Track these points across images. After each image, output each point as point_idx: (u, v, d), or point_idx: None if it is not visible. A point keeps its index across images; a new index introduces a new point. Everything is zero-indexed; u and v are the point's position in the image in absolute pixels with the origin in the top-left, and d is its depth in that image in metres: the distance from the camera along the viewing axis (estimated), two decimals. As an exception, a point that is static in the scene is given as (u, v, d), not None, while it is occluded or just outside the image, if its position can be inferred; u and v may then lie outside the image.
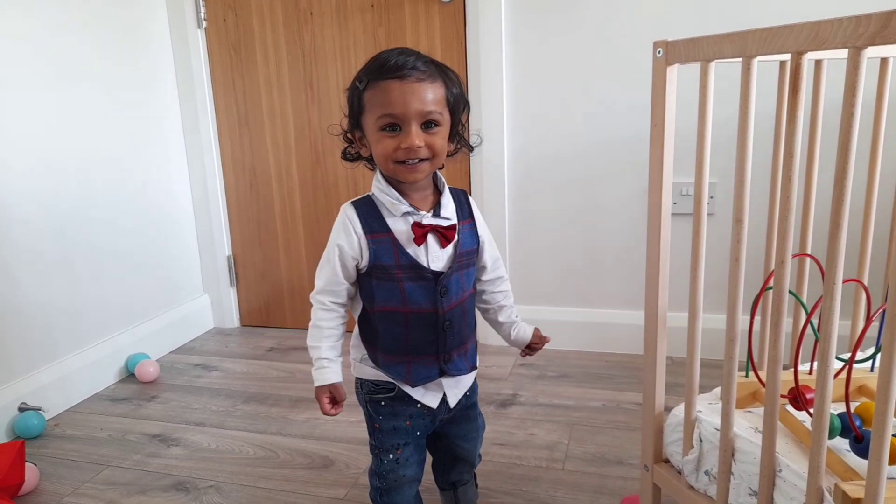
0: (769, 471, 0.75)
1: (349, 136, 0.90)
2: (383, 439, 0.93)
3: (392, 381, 0.90)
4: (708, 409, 0.89)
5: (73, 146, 1.59)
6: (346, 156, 0.92)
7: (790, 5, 1.48)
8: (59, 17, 1.54)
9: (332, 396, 0.90)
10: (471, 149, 0.96)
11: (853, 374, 0.88)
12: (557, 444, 1.32)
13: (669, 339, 0.93)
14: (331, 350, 0.90)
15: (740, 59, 0.71)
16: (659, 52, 0.82)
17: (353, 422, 1.44)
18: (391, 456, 0.93)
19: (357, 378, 0.95)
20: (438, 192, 0.91)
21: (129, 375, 1.74)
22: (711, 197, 1.62)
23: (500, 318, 0.99)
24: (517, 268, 1.83)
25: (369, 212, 0.87)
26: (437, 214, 0.88)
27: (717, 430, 0.83)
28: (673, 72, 0.82)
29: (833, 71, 0.87)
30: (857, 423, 0.74)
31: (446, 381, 0.92)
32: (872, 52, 0.60)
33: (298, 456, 1.31)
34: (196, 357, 1.88)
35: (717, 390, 0.96)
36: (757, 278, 1.05)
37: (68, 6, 1.57)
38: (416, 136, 0.81)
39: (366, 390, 0.94)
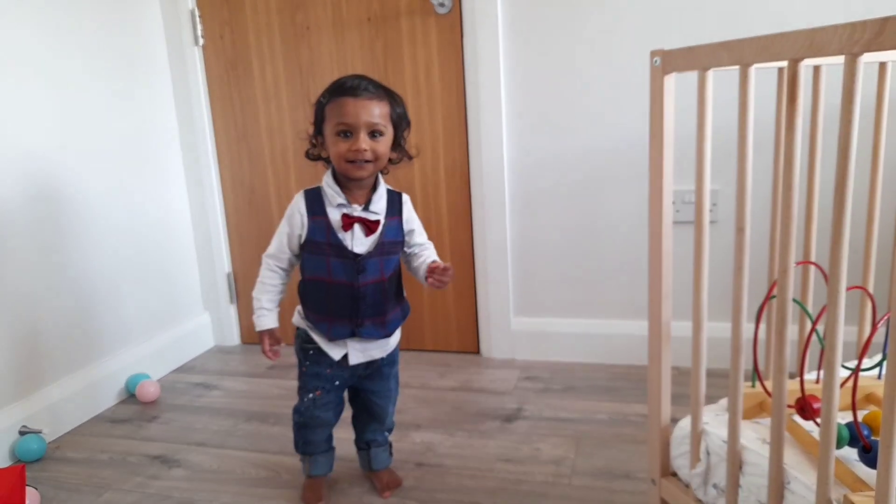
0: (778, 483, 0.73)
1: (313, 140, 1.14)
2: (307, 381, 1.18)
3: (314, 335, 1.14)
4: (715, 420, 0.88)
5: (69, 163, 1.59)
6: (308, 155, 1.15)
7: (789, 11, 1.48)
8: (56, 35, 1.55)
9: (271, 339, 1.18)
10: (410, 158, 1.17)
11: (860, 383, 0.86)
12: (564, 458, 1.30)
13: (674, 349, 0.91)
14: (269, 302, 1.17)
15: (737, 67, 0.71)
16: (656, 62, 0.82)
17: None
18: (311, 396, 1.17)
19: (296, 327, 1.19)
20: (374, 191, 1.12)
21: (130, 396, 1.73)
22: (714, 204, 1.61)
23: (414, 263, 1.18)
24: (519, 279, 1.82)
25: (315, 198, 1.11)
26: (366, 209, 1.10)
27: (725, 442, 0.82)
28: (670, 80, 0.82)
29: (832, 76, 0.86)
30: (866, 432, 0.73)
31: (353, 343, 1.14)
32: (870, 57, 0.59)
33: (302, 476, 1.29)
34: (197, 376, 1.87)
35: (724, 401, 0.94)
36: (761, 286, 1.03)
37: (65, 24, 1.58)
38: (364, 142, 1.05)
39: (300, 339, 1.18)
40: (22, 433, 1.43)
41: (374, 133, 1.06)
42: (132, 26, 1.79)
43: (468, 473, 1.27)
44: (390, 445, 1.27)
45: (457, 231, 1.85)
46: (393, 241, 1.13)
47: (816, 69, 0.85)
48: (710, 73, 0.76)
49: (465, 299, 1.89)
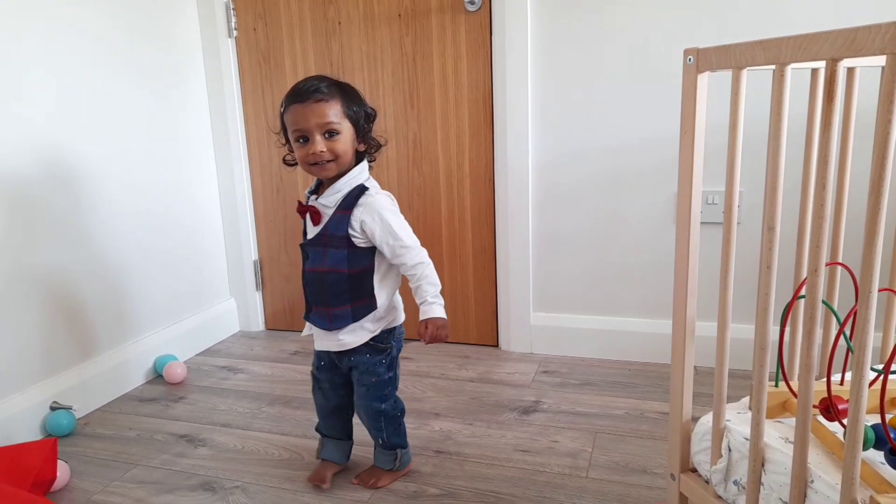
0: (801, 481, 0.74)
1: (286, 147, 1.17)
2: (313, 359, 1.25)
3: None
4: (737, 418, 0.89)
5: (104, 152, 1.63)
6: (285, 162, 1.19)
7: (824, 11, 1.47)
8: (94, 26, 1.59)
9: None
10: (379, 146, 1.19)
11: (888, 385, 0.86)
12: (581, 451, 1.31)
13: (696, 348, 0.92)
14: None
15: (772, 67, 0.71)
16: (690, 60, 0.82)
17: (376, 426, 1.45)
18: (312, 369, 1.25)
19: None
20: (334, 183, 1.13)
21: (158, 376, 1.77)
22: (738, 206, 1.60)
23: (416, 298, 1.15)
24: (539, 274, 1.83)
25: (312, 188, 1.19)
26: (317, 200, 1.14)
27: (747, 439, 0.82)
28: (704, 79, 0.82)
29: (864, 77, 0.86)
30: (893, 434, 0.73)
31: (314, 329, 1.18)
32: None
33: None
34: (222, 359, 1.91)
35: (745, 400, 0.95)
36: (785, 287, 1.04)
37: (102, 17, 1.61)
38: (319, 144, 1.07)
39: None
40: (53, 409, 1.48)
41: (329, 133, 1.08)
42: (169, 17, 1.83)
43: (486, 462, 1.28)
44: (395, 457, 1.23)
45: (479, 225, 1.86)
46: (334, 234, 1.11)
47: (850, 72, 0.85)
48: (745, 73, 0.76)
49: (486, 293, 1.91)
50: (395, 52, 1.82)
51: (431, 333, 1.12)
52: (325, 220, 1.13)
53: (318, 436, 1.29)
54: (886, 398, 0.88)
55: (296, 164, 1.16)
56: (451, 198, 1.87)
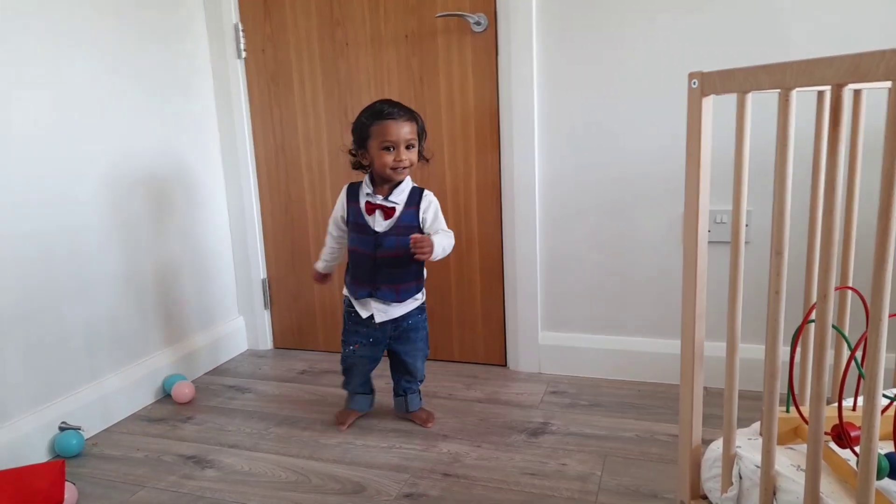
0: (813, 511, 0.72)
1: (353, 153, 1.47)
2: (347, 337, 1.53)
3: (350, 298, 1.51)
4: (747, 444, 0.87)
5: (111, 171, 1.65)
6: (353, 165, 1.48)
7: (828, 35, 1.46)
8: (105, 47, 1.61)
9: (316, 275, 1.61)
10: (427, 160, 1.52)
11: (900, 412, 0.85)
12: (590, 475, 1.30)
13: (706, 369, 0.91)
14: (323, 256, 1.59)
15: (777, 91, 0.71)
16: (694, 83, 0.82)
17: (383, 447, 1.44)
18: (350, 348, 1.52)
19: (344, 296, 1.54)
20: (396, 187, 1.44)
21: (166, 396, 1.77)
22: (747, 225, 1.59)
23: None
24: (547, 293, 1.82)
25: (353, 190, 1.48)
26: (386, 199, 1.43)
27: (758, 466, 0.81)
28: (708, 103, 0.82)
29: (871, 97, 0.86)
30: (907, 464, 0.71)
31: (375, 304, 1.47)
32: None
33: (330, 481, 1.31)
34: (230, 379, 1.91)
35: (757, 425, 0.93)
36: (795, 308, 1.02)
37: (112, 37, 1.64)
38: (403, 154, 1.39)
39: (345, 304, 1.54)
40: (62, 429, 1.48)
41: (409, 146, 1.40)
42: (178, 39, 1.86)
43: (494, 486, 1.27)
44: (420, 392, 1.58)
45: (487, 244, 1.86)
46: (408, 224, 1.43)
47: (857, 94, 0.85)
48: (750, 97, 0.76)
49: (494, 312, 1.90)
50: (401, 72, 1.84)
51: (419, 242, 1.36)
52: (398, 213, 1.43)
53: (325, 459, 1.29)
54: (900, 424, 0.86)
55: (361, 167, 1.46)
56: (459, 216, 1.87)
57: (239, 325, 2.13)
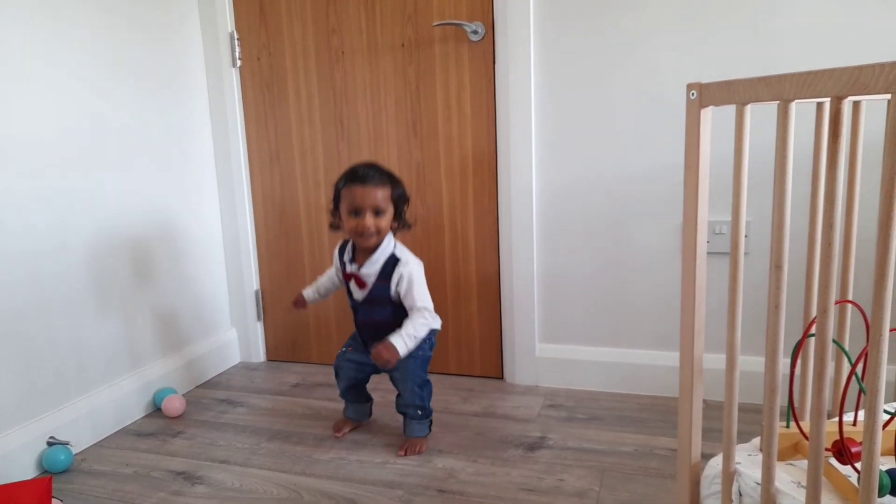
0: (816, 531, 0.70)
1: (333, 214, 1.46)
2: (349, 339, 1.57)
3: None
4: (747, 460, 0.86)
5: (104, 180, 1.63)
6: (331, 226, 1.47)
7: (828, 46, 1.46)
8: (99, 53, 1.60)
9: (297, 299, 1.60)
10: (409, 227, 1.47)
11: (903, 428, 0.83)
12: (588, 490, 1.28)
13: (705, 381, 0.89)
14: (316, 286, 1.61)
15: (776, 103, 0.70)
16: (693, 95, 0.81)
17: (378, 462, 1.42)
18: (343, 349, 1.56)
19: None
20: (373, 253, 1.42)
21: (156, 410, 1.75)
22: (746, 236, 1.58)
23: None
24: (544, 305, 1.81)
25: (341, 249, 1.51)
26: (360, 268, 1.44)
27: (758, 483, 0.79)
28: (707, 114, 0.81)
29: (871, 107, 0.85)
30: (910, 482, 0.70)
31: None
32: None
33: (323, 497, 1.29)
34: (222, 392, 1.88)
35: (756, 440, 0.92)
36: (795, 322, 1.01)
37: (108, 44, 1.63)
38: (369, 220, 1.37)
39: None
40: (50, 444, 1.45)
41: (377, 212, 1.37)
42: (173, 46, 1.85)
43: (490, 502, 1.25)
44: (430, 423, 1.50)
45: (483, 255, 1.85)
46: (380, 296, 1.43)
47: (856, 105, 0.84)
48: (749, 108, 0.75)
49: (490, 324, 1.88)
50: (398, 81, 1.83)
51: (379, 353, 1.33)
52: (369, 286, 1.43)
53: (316, 475, 1.26)
54: (902, 441, 0.85)
55: (338, 228, 1.45)
56: (455, 227, 1.86)
57: (231, 338, 2.11)
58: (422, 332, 1.38)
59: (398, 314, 1.42)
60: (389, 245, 1.43)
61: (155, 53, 1.78)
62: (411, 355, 1.40)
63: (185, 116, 1.90)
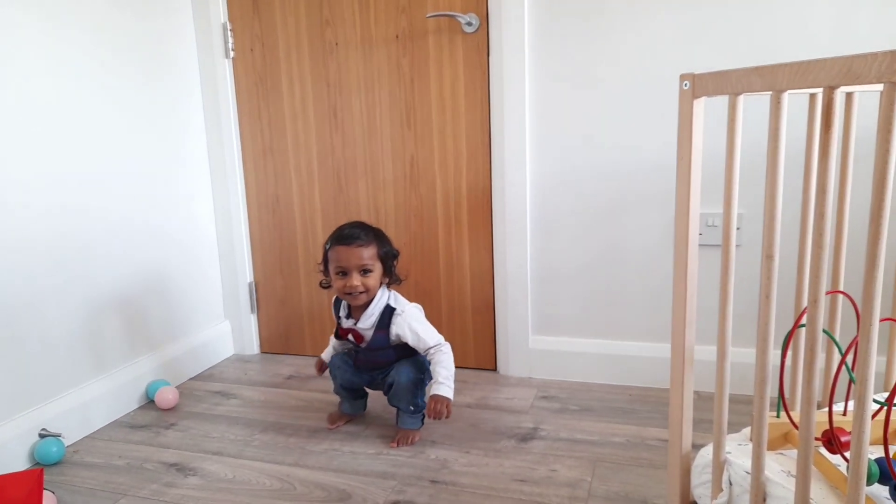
0: (805, 519, 0.71)
1: (322, 273, 1.48)
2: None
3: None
4: (738, 450, 0.86)
5: (96, 172, 1.62)
6: (321, 284, 1.50)
7: (821, 36, 1.47)
8: (90, 45, 1.59)
9: (319, 363, 1.63)
10: (399, 281, 1.50)
11: (892, 416, 0.84)
12: (580, 481, 1.28)
13: (696, 373, 0.90)
14: (328, 349, 1.63)
15: (769, 93, 0.70)
16: (685, 85, 0.81)
17: (371, 454, 1.43)
18: (338, 356, 1.56)
19: None
20: (367, 308, 1.45)
21: (149, 402, 1.74)
22: (738, 228, 1.58)
23: (431, 365, 1.46)
24: (538, 297, 1.81)
25: (337, 304, 1.54)
26: (356, 323, 1.46)
27: (748, 473, 0.80)
28: (700, 105, 0.81)
29: (865, 98, 0.85)
30: (898, 470, 0.71)
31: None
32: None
33: (315, 489, 1.29)
34: (216, 384, 1.88)
35: (747, 430, 0.93)
36: (786, 312, 1.02)
37: (99, 35, 1.62)
38: (355, 279, 1.39)
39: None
40: (42, 436, 1.45)
41: (364, 271, 1.40)
42: (165, 37, 1.83)
43: (482, 493, 1.25)
44: (423, 416, 1.49)
45: (477, 248, 1.85)
46: (379, 347, 1.46)
47: (849, 96, 0.84)
48: (742, 99, 0.75)
49: (484, 316, 1.88)
50: (392, 73, 1.82)
51: (434, 408, 1.38)
52: (367, 339, 1.46)
53: (309, 467, 1.26)
54: (891, 429, 0.86)
55: (329, 287, 1.47)
56: (449, 219, 1.85)
57: (225, 330, 2.10)
58: (452, 367, 1.44)
59: (400, 350, 1.48)
60: (383, 297, 1.45)
61: (146, 45, 1.76)
62: (407, 362, 1.46)
63: (177, 108, 1.88)
